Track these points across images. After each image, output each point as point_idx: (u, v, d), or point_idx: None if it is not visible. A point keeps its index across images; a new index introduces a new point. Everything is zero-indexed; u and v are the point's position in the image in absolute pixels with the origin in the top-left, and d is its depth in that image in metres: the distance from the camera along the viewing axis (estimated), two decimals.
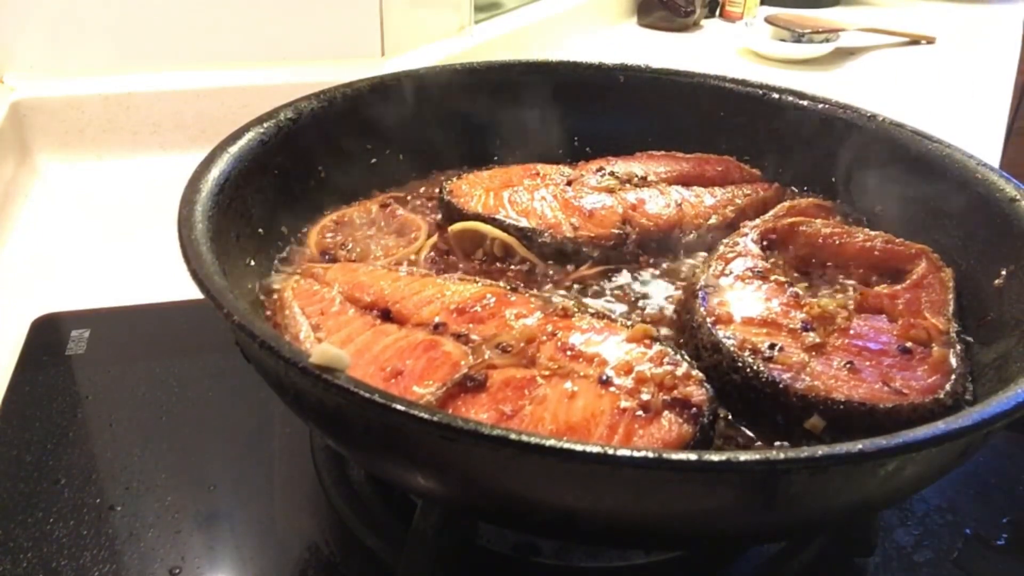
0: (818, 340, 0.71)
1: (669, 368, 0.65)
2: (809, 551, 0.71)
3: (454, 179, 0.96)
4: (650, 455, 0.47)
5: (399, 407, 0.49)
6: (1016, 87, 1.94)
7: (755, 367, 0.68)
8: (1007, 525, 0.76)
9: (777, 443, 0.66)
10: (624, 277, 0.87)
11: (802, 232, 0.88)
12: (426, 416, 0.49)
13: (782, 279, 0.80)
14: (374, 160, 1.00)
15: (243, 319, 0.56)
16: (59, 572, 0.68)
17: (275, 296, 0.78)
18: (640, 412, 0.61)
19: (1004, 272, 0.77)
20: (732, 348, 0.70)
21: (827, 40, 2.03)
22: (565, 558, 0.70)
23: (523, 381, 0.64)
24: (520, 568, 0.70)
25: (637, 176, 0.98)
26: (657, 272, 0.88)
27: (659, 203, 0.94)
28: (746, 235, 0.87)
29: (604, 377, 0.64)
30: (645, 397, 0.62)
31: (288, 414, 0.65)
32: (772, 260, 0.84)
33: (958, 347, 0.72)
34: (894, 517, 0.76)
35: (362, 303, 0.76)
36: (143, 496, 0.75)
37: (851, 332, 0.73)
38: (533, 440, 0.47)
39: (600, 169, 1.00)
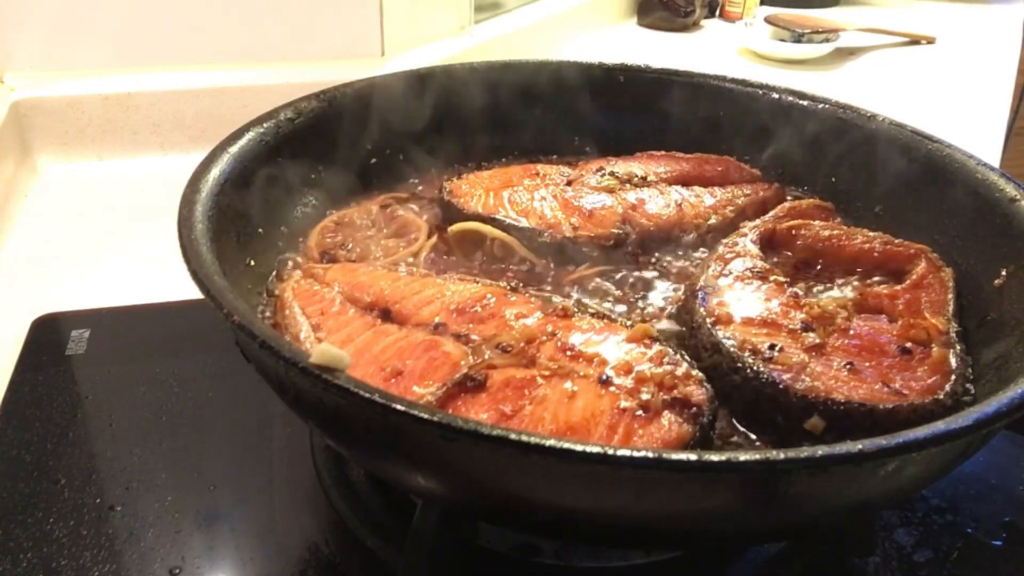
0: (818, 340, 0.71)
1: (669, 368, 0.65)
2: (809, 551, 0.71)
3: (454, 179, 0.96)
4: (650, 455, 0.47)
5: (399, 407, 0.49)
6: (1016, 87, 1.94)
7: (755, 367, 0.68)
8: (1007, 525, 0.76)
9: (777, 443, 0.66)
10: (624, 277, 0.87)
11: (802, 233, 0.88)
12: (426, 416, 0.49)
13: (782, 279, 0.80)
14: (374, 160, 1.00)
15: (243, 319, 0.56)
16: (59, 572, 0.68)
17: (275, 296, 0.78)
18: (640, 412, 0.61)
19: (1004, 272, 0.77)
20: (732, 348, 0.70)
21: (827, 40, 2.03)
22: (565, 558, 0.70)
23: (523, 381, 0.64)
24: (520, 568, 0.70)
25: (637, 176, 0.98)
26: (657, 272, 0.88)
27: (659, 203, 0.94)
28: (746, 235, 0.87)
29: (604, 377, 0.64)
30: (645, 397, 0.62)
31: (288, 414, 0.65)
32: (772, 260, 0.84)
33: (958, 347, 0.72)
34: (894, 517, 0.76)
35: (362, 303, 0.76)
36: (143, 496, 0.75)
37: (851, 332, 0.73)
38: (533, 440, 0.47)
39: (600, 169, 1.00)
